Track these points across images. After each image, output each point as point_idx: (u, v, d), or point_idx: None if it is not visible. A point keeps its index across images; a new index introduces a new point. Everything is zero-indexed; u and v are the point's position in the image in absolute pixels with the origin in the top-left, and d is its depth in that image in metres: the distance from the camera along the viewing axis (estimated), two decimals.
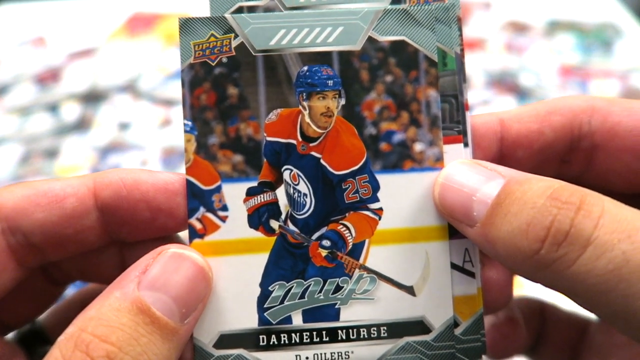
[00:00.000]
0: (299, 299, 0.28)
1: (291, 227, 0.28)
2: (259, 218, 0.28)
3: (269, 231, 0.28)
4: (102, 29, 1.14)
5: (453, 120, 0.28)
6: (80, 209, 0.26)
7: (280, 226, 0.28)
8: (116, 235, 0.27)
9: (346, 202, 0.28)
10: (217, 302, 0.27)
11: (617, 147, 0.27)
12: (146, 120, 0.90)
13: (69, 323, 0.23)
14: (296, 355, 0.27)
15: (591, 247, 0.21)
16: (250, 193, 0.28)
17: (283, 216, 0.28)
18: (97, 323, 0.22)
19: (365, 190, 0.28)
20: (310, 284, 0.28)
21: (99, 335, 0.22)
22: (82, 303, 0.31)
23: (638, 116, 0.27)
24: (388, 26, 0.28)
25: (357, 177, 0.28)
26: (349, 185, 0.28)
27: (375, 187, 0.28)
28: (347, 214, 0.28)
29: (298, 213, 0.28)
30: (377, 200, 0.28)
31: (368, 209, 0.28)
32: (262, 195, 0.28)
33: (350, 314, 0.28)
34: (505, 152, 0.28)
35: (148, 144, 0.85)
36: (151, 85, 0.97)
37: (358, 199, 0.28)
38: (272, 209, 0.28)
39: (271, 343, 0.27)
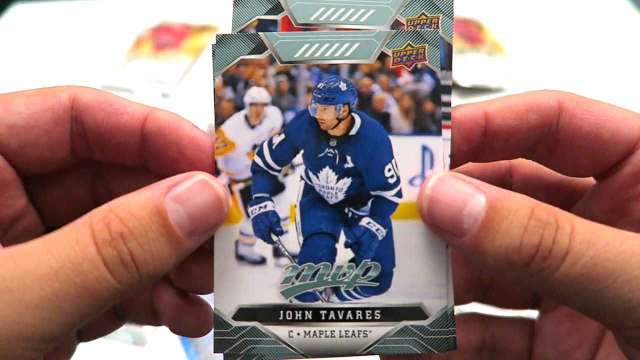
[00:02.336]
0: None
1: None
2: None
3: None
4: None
5: None
6: (129, 127, 0.31)
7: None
8: (147, 161, 0.32)
9: None
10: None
11: (575, 146, 0.31)
12: None
13: None
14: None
15: (568, 257, 0.26)
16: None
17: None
18: (123, 209, 0.27)
19: None
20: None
21: (120, 217, 0.26)
22: None
23: (596, 121, 0.30)
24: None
25: None
26: None
27: None
28: None
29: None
30: None
31: None
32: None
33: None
34: (486, 143, 0.32)
35: None
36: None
37: None
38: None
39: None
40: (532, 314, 0.39)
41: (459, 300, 0.38)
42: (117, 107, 0.31)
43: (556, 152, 0.32)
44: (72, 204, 0.34)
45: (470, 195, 0.28)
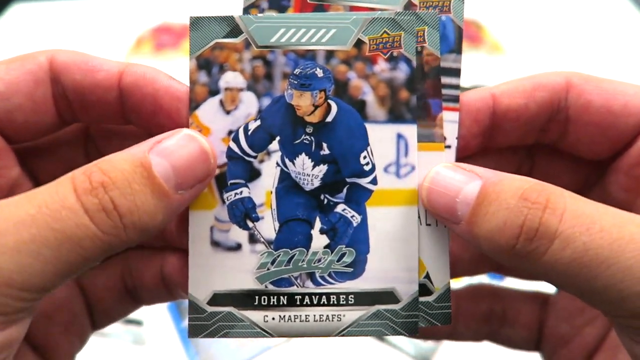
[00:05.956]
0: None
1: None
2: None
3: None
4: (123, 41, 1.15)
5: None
6: (106, 83, 0.31)
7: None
8: (129, 118, 0.32)
9: None
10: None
11: (586, 121, 0.31)
12: None
13: None
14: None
15: (557, 240, 0.25)
16: None
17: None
18: (106, 163, 0.27)
19: None
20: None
21: (102, 169, 0.26)
22: None
23: (607, 95, 0.30)
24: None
25: None
26: None
27: None
28: None
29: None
30: None
31: None
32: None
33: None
34: (496, 124, 0.32)
35: None
36: None
37: None
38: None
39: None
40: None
41: (476, 272, 0.38)
42: (93, 65, 0.31)
43: (569, 131, 0.32)
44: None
45: (464, 183, 0.28)
